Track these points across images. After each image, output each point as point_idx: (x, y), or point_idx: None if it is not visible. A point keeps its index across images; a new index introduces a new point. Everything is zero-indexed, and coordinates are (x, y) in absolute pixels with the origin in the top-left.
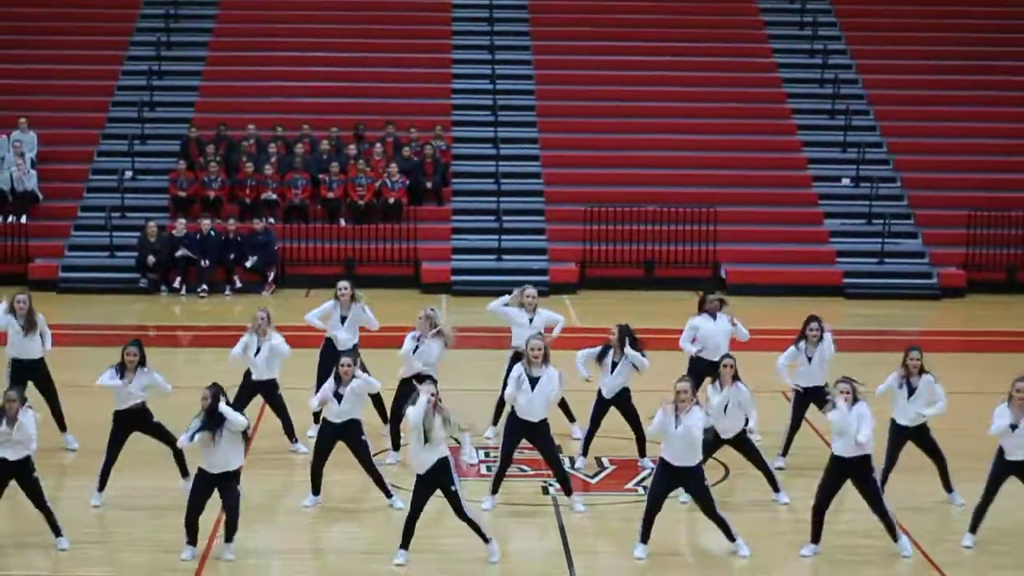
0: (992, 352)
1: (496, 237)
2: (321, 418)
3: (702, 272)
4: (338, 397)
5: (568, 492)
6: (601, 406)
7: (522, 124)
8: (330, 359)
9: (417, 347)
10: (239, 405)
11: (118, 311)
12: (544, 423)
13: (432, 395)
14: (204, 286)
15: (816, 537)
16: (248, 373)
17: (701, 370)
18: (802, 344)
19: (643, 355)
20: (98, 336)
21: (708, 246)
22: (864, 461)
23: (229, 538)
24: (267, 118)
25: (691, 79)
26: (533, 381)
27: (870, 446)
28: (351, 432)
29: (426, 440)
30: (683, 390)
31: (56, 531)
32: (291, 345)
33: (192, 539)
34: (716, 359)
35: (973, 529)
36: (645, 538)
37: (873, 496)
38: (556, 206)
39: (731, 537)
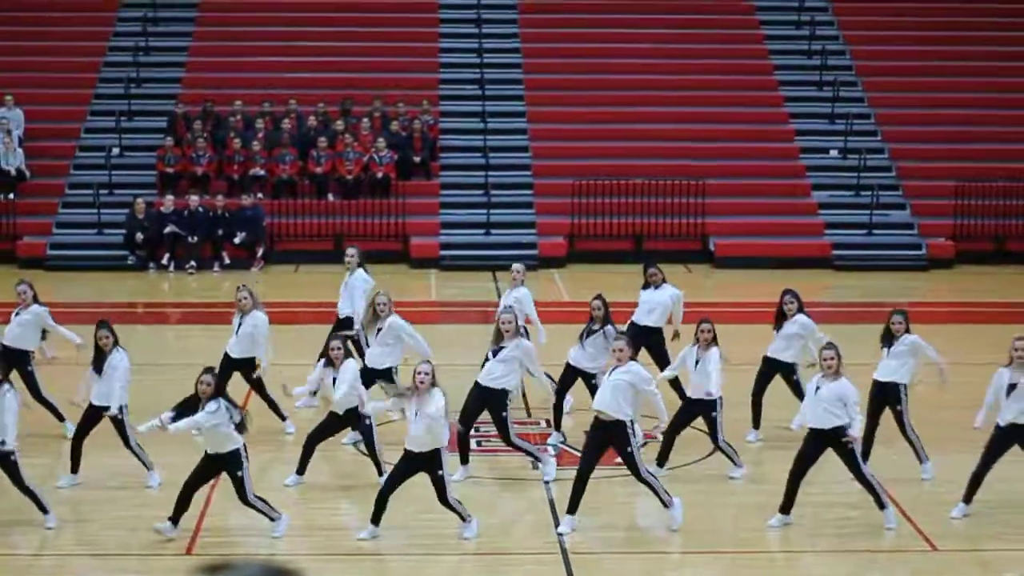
0: (980, 323)
1: (485, 211)
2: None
3: (691, 245)
4: (333, 381)
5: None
6: (570, 376)
7: (510, 98)
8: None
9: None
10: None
11: (107, 288)
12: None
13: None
14: (192, 262)
15: (787, 507)
16: (226, 354)
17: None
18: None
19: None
20: (87, 314)
21: (696, 219)
22: (839, 431)
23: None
24: (254, 94)
25: (679, 51)
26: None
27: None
28: (352, 419)
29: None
30: (619, 348)
31: (43, 509)
32: (278, 322)
33: (176, 517)
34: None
35: (967, 499)
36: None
37: (853, 465)
38: (544, 180)
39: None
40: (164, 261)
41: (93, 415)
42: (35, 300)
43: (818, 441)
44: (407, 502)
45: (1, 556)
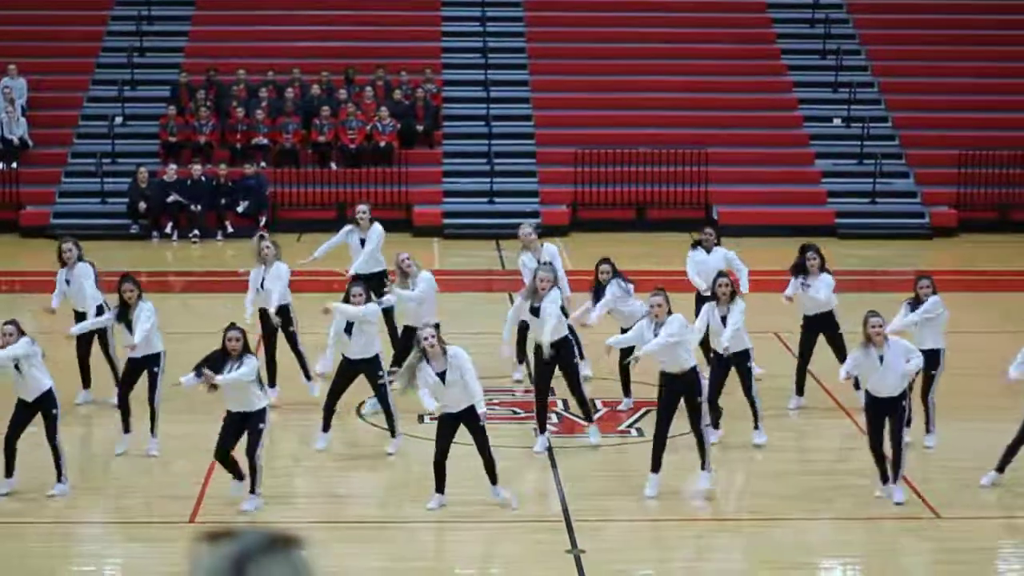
0: (984, 292)
1: (488, 180)
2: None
3: (694, 213)
4: (348, 331)
5: (588, 419)
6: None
7: (513, 66)
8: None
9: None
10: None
11: (110, 257)
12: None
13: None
14: (195, 231)
15: (884, 475)
16: (263, 313)
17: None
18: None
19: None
20: None
21: (700, 187)
22: (898, 399)
23: (253, 488)
24: (257, 63)
25: (682, 20)
26: (535, 311)
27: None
28: (368, 369)
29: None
30: (657, 303)
31: (60, 475)
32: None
33: (235, 474)
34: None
35: (1000, 468)
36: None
37: (899, 429)
38: (547, 148)
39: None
40: (167, 230)
41: (134, 370)
42: (80, 259)
43: (883, 408)
44: (410, 470)
45: (3, 524)
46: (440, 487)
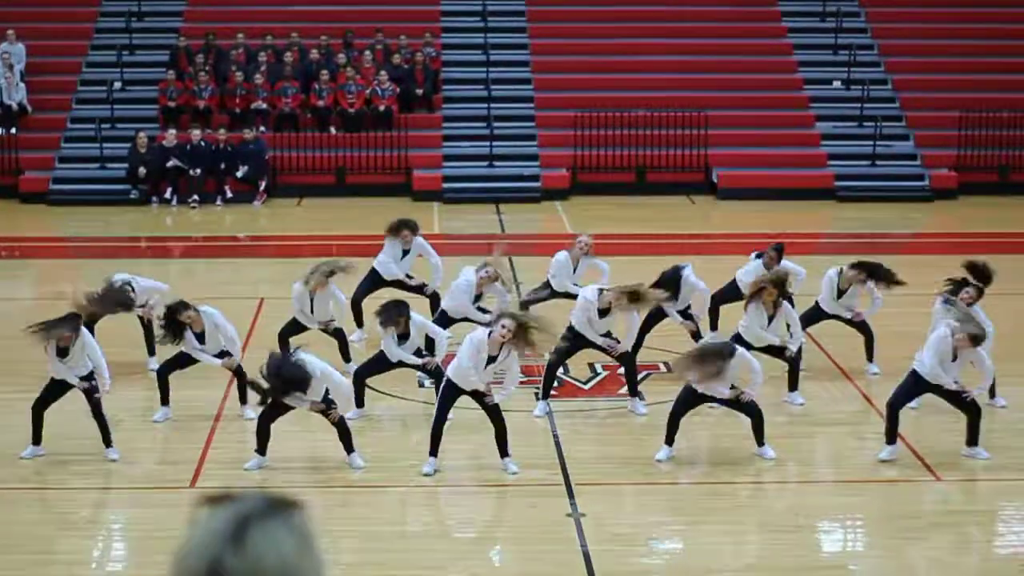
0: (985, 254)
1: (487, 144)
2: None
3: (694, 176)
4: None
5: (633, 394)
6: None
7: (512, 30)
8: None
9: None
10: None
11: (109, 222)
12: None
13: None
14: (195, 196)
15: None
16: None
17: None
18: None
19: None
20: (91, 248)
21: (699, 150)
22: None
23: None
24: (256, 27)
25: None
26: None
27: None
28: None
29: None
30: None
31: (108, 441)
32: (281, 255)
33: (261, 448)
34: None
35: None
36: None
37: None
38: (547, 112)
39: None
40: (167, 195)
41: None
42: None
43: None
44: (415, 435)
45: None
46: (435, 451)
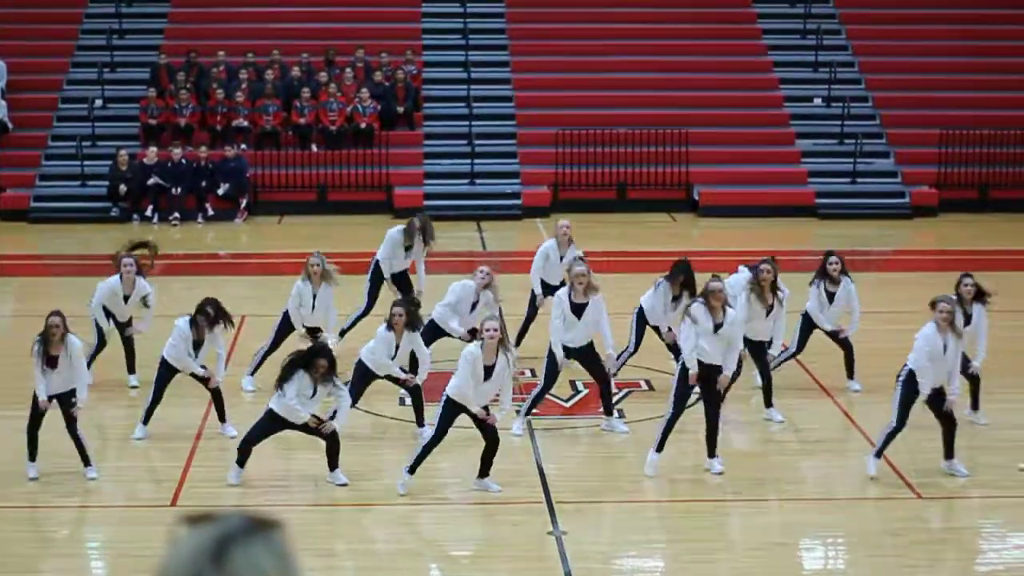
0: (965, 271)
1: (468, 161)
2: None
3: (675, 194)
4: (396, 347)
5: (608, 413)
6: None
7: (493, 47)
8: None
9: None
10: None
11: (90, 240)
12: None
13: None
14: (176, 214)
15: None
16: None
17: None
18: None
19: None
20: (71, 266)
21: (680, 168)
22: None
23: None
24: (237, 44)
25: (661, 0)
26: (579, 309)
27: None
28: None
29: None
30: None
31: (86, 460)
32: (262, 273)
33: (241, 461)
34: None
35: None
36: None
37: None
38: (528, 129)
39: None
40: (148, 213)
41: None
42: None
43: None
44: (394, 451)
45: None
46: (414, 469)
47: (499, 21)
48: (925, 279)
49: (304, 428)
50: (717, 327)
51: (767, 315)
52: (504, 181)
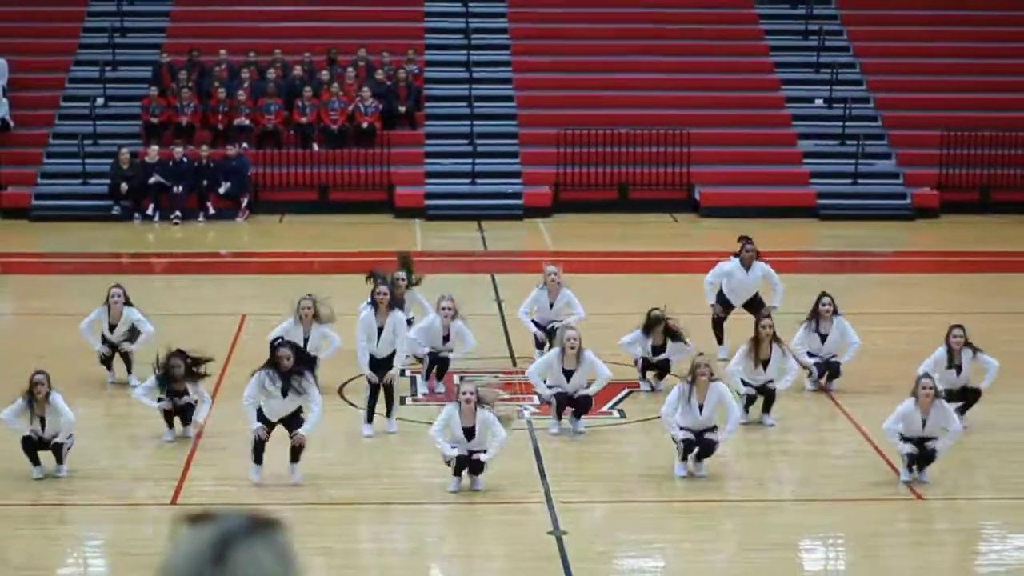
0: (966, 272)
1: (470, 161)
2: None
3: (676, 194)
4: (379, 330)
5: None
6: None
7: (495, 47)
8: None
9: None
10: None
11: (92, 239)
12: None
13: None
14: (177, 213)
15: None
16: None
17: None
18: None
19: None
20: (73, 264)
21: (682, 168)
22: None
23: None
24: (239, 43)
25: (663, 0)
26: (568, 374)
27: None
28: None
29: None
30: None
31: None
32: (263, 272)
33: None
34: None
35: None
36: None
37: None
38: (530, 129)
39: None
40: (149, 211)
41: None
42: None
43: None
44: (394, 451)
45: None
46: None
47: (501, 21)
48: (926, 281)
49: (281, 422)
50: (701, 407)
51: (764, 368)
52: (505, 181)
